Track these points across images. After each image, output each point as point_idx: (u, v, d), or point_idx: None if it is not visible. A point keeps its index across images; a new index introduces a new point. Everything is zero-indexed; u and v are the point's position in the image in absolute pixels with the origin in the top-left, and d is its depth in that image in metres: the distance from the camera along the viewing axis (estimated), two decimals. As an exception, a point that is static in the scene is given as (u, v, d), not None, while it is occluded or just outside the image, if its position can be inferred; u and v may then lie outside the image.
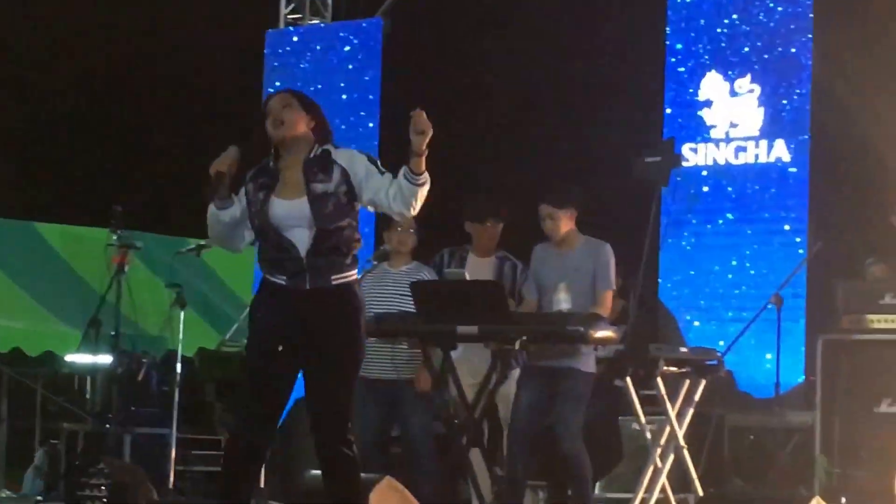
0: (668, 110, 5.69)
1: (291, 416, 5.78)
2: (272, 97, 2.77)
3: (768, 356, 4.82)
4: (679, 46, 5.71)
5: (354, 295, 2.66)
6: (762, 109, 5.41)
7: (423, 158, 2.53)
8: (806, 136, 5.28)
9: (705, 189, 5.64)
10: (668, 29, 5.70)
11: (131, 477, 4.57)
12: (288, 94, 2.76)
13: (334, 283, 2.60)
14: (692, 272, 5.57)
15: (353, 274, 2.68)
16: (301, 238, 2.59)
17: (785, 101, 5.37)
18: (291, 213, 2.60)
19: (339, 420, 2.61)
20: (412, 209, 2.60)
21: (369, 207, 2.72)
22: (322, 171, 2.62)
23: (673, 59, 5.71)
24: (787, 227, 5.34)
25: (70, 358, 5.97)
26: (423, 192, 2.57)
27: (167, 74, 9.48)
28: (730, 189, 5.58)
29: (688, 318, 5.46)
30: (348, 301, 2.64)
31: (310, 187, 2.59)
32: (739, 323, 4.96)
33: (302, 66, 7.12)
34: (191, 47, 8.91)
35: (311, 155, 2.64)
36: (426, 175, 2.55)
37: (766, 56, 5.44)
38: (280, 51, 7.26)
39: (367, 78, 6.82)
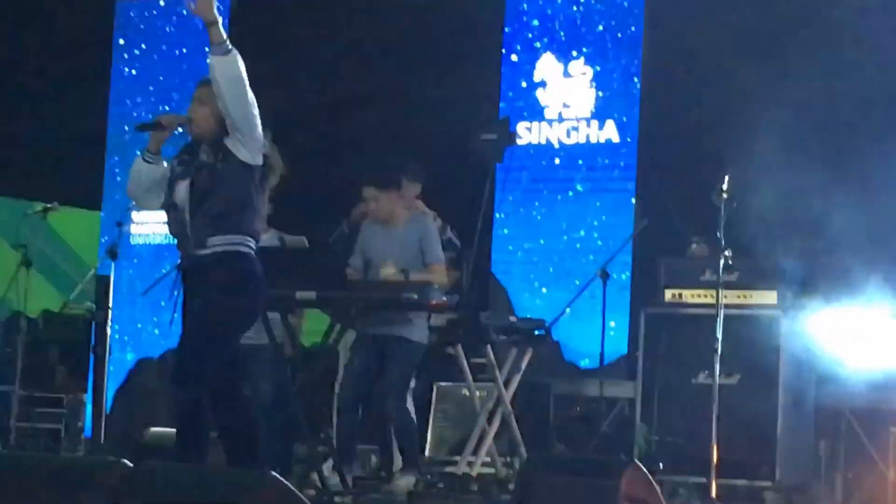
0: (511, 94, 5.93)
1: (132, 376, 5.96)
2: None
3: (596, 328, 5.12)
4: (513, 28, 5.97)
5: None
6: (594, 91, 5.73)
7: (218, 26, 2.74)
8: (636, 117, 5.63)
9: (557, 161, 5.91)
10: (505, 11, 5.94)
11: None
12: (201, 86, 2.96)
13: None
14: (542, 241, 5.83)
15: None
16: None
17: (616, 83, 5.70)
18: None
19: None
20: (239, 88, 2.75)
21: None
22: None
23: (509, 41, 5.96)
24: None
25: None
26: (234, 65, 2.73)
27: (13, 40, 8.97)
28: (580, 162, 5.87)
29: (536, 285, 5.72)
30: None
31: None
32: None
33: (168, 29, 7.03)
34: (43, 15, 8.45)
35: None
36: (227, 43, 2.73)
37: (599, 38, 5.75)
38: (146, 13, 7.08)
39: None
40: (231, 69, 2.72)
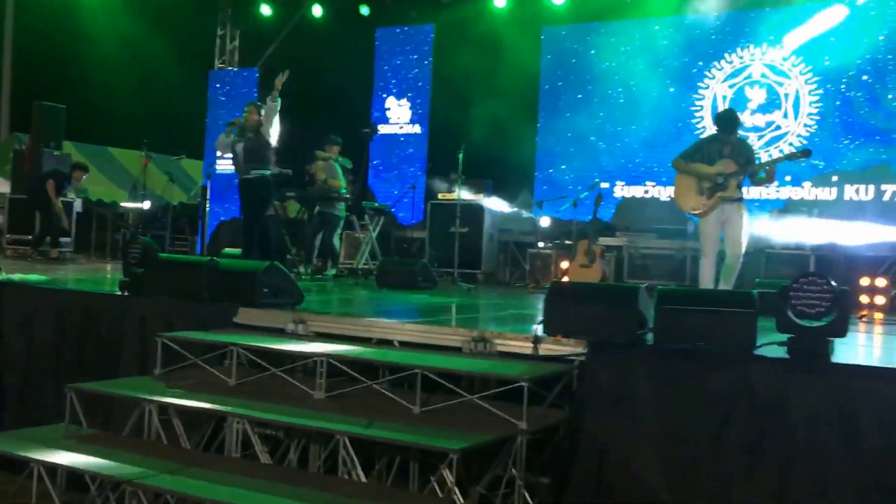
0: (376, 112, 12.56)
1: (217, 229, 12.59)
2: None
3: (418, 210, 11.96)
4: (379, 75, 12.71)
5: None
6: (410, 112, 12.32)
7: (278, 89, 8.68)
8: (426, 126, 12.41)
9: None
10: (374, 68, 12.46)
11: None
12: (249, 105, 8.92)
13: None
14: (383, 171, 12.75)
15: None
16: None
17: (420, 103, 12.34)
18: None
19: None
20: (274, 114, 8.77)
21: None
22: None
23: (378, 84, 12.80)
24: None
25: None
26: (277, 105, 8.66)
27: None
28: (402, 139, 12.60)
29: (388, 187, 12.52)
30: None
31: None
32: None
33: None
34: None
35: None
36: (277, 95, 8.67)
37: (415, 79, 12.35)
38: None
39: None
40: (275, 107, 8.64)
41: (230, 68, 15.21)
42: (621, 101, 12.15)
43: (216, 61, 15.26)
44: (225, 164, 12.85)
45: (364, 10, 13.38)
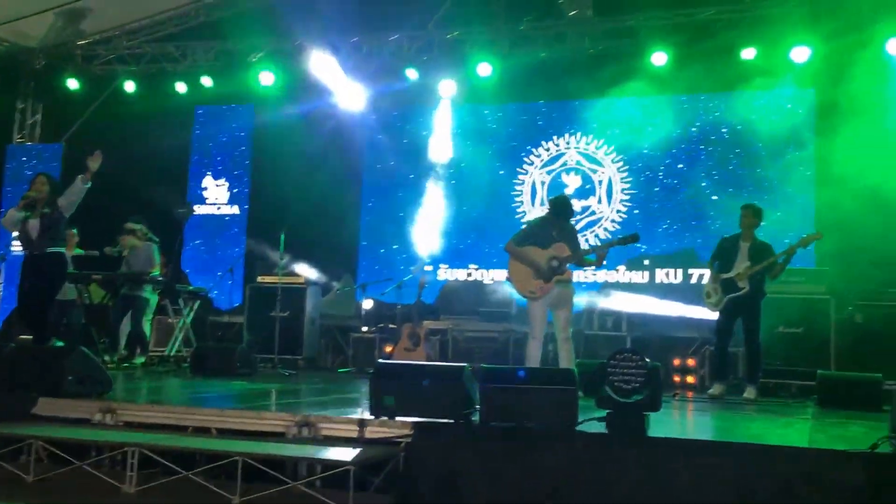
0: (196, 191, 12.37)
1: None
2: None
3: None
4: (196, 157, 12.72)
5: None
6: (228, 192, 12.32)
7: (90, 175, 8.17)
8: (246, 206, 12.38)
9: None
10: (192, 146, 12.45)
11: None
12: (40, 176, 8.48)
13: None
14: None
15: None
16: None
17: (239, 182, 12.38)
18: None
19: None
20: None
21: None
22: None
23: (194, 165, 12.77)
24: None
25: None
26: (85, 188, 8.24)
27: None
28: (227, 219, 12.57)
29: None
30: None
31: None
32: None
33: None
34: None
35: None
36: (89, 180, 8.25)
37: (234, 158, 12.38)
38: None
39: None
40: (84, 189, 8.28)
41: (30, 143, 14.54)
42: (453, 182, 12.59)
43: (14, 135, 14.57)
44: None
45: (181, 88, 13.20)
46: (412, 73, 12.18)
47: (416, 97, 12.60)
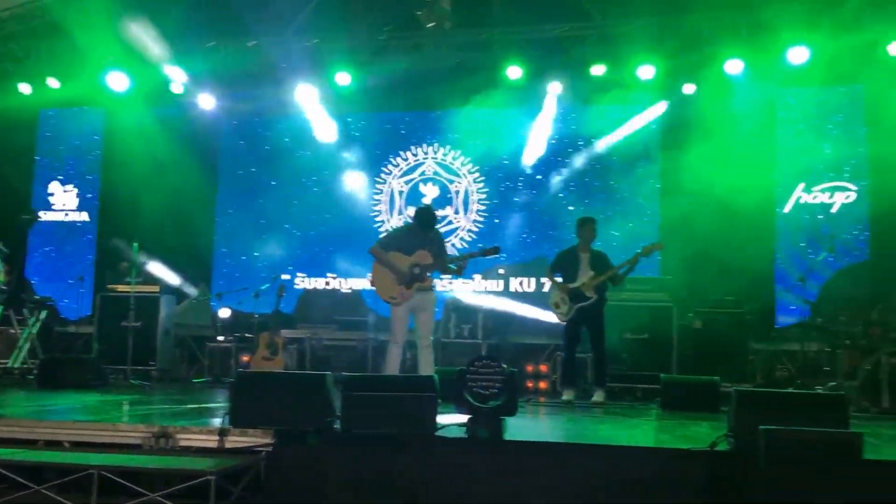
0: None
1: None
2: None
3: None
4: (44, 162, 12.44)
5: None
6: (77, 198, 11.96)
7: None
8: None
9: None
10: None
11: None
12: None
13: None
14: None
15: None
16: None
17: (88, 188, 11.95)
18: None
19: None
20: None
21: None
22: None
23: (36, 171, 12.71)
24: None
25: None
26: None
27: None
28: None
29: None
30: None
31: None
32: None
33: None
34: None
35: None
36: None
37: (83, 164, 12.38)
38: None
39: None
40: None
41: None
42: (315, 189, 12.51)
43: None
44: None
45: (25, 89, 12.45)
46: (272, 80, 12.01)
47: (276, 104, 12.46)
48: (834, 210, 10.92)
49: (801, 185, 11.06)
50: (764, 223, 10.90)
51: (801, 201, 11.07)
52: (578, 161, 11.91)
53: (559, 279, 8.81)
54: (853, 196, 10.85)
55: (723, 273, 10.25)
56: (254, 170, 12.82)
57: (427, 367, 7.72)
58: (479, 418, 5.23)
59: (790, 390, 5.87)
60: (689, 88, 11.00)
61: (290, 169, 12.58)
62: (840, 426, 4.69)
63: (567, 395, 8.72)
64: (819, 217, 10.92)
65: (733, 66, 10.49)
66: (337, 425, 5.23)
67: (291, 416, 5.11)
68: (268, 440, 5.04)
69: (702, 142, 10.21)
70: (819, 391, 6.72)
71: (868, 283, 10.39)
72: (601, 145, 11.72)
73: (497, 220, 12.19)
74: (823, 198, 10.97)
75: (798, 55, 10.13)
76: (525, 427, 6.01)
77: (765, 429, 4.49)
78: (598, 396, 8.62)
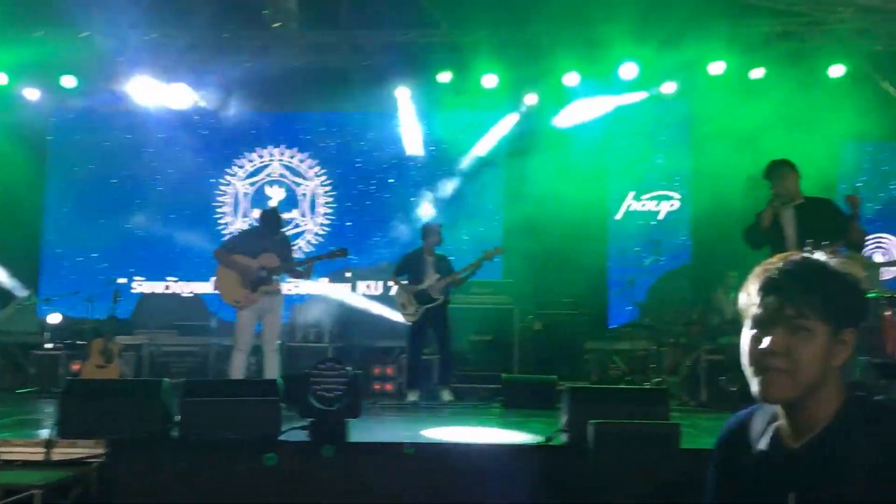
0: None
1: None
2: None
3: None
4: None
5: None
6: None
7: None
8: None
9: None
10: None
11: None
12: None
13: None
14: None
15: None
16: None
17: None
18: None
19: None
20: None
21: None
22: None
23: None
24: None
25: None
26: None
27: None
28: None
29: None
30: None
31: None
32: None
33: None
34: None
35: None
36: None
37: None
38: None
39: None
40: None
41: None
42: (159, 189, 12.05)
43: None
44: None
45: None
46: (109, 74, 11.47)
47: (113, 99, 11.93)
48: (660, 217, 11.58)
49: (632, 194, 11.67)
50: (598, 229, 11.43)
51: (632, 209, 11.67)
52: (431, 166, 12.04)
53: (404, 281, 8.92)
54: (677, 204, 11.54)
55: (561, 276, 10.66)
56: (92, 167, 12.23)
57: (272, 372, 7.63)
58: (323, 421, 5.22)
59: (618, 386, 6.20)
60: (531, 99, 11.34)
61: (131, 167, 12.11)
62: (662, 418, 4.97)
63: (412, 397, 8.82)
64: (651, 223, 11.53)
65: (571, 79, 10.89)
66: (175, 432, 5.09)
67: (126, 425, 4.93)
68: (100, 450, 4.84)
69: (543, 150, 10.57)
70: (645, 386, 7.10)
71: (690, 285, 11.07)
72: (452, 151, 11.88)
73: (347, 223, 12.15)
74: (651, 205, 11.60)
75: (628, 70, 10.65)
76: (369, 429, 6.02)
77: (594, 422, 4.71)
78: (445, 396, 8.77)
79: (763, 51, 10.48)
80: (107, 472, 4.76)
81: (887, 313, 7.52)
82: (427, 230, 9.13)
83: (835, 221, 6.19)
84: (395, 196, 12.07)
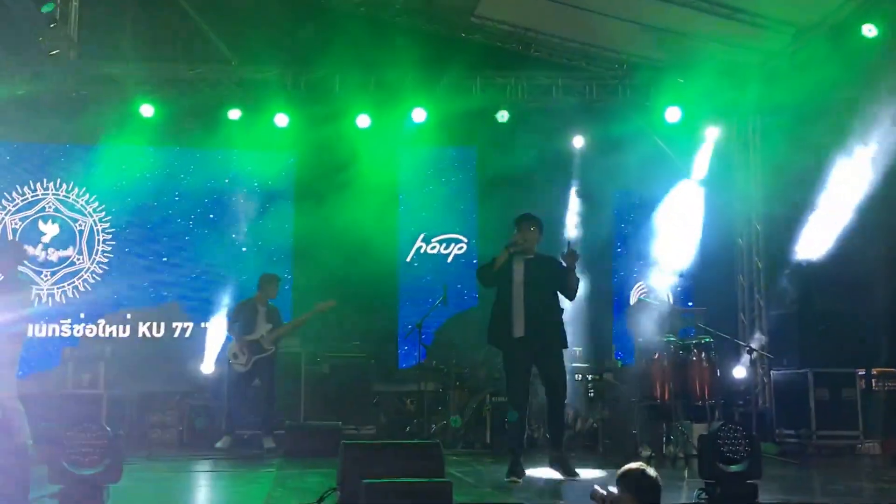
0: None
1: None
2: None
3: None
4: None
5: None
6: None
7: None
8: None
9: None
10: None
11: None
12: None
13: None
14: None
15: None
16: None
17: None
18: None
19: None
20: None
21: None
22: None
23: None
24: None
25: None
26: None
27: None
28: None
29: None
30: None
31: None
32: None
33: None
34: None
35: None
36: None
37: None
38: None
39: None
40: None
41: None
42: None
43: None
44: None
45: None
46: None
47: None
48: (449, 260, 11.72)
49: (422, 236, 11.74)
50: (389, 271, 11.42)
51: (422, 251, 11.74)
52: (214, 204, 11.58)
53: (237, 330, 9.02)
54: (465, 247, 11.72)
55: (351, 319, 10.57)
56: None
57: None
58: (76, 488, 4.78)
59: (390, 441, 6.17)
60: (321, 138, 11.18)
61: None
62: (436, 473, 4.92)
63: (222, 444, 8.81)
64: (440, 266, 11.64)
65: (363, 121, 10.87)
66: None
67: None
68: None
69: (335, 191, 10.46)
70: (415, 441, 7.10)
71: (476, 327, 11.23)
72: (238, 187, 11.53)
73: (127, 262, 11.43)
74: (441, 248, 11.73)
75: (418, 115, 10.76)
76: (133, 494, 5.59)
77: (366, 482, 4.59)
78: (223, 442, 8.81)
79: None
80: None
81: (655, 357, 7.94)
82: (265, 280, 9.25)
83: (556, 275, 6.76)
84: (178, 234, 11.51)
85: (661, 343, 7.92)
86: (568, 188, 11.44)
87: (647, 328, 8.29)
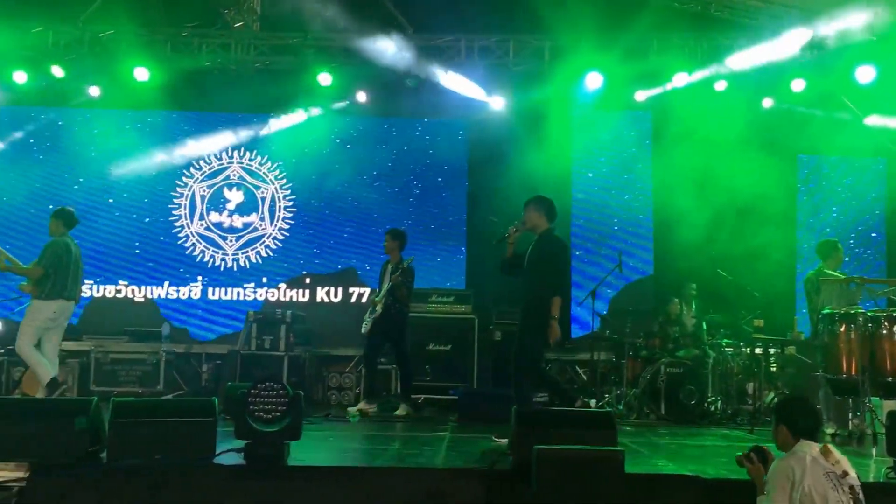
0: None
1: None
2: None
3: None
4: None
5: None
6: None
7: None
8: None
9: None
10: None
11: None
12: None
13: None
14: None
15: None
16: None
17: None
18: None
19: None
20: None
21: None
22: None
23: None
24: None
25: None
26: None
27: None
28: None
29: None
30: None
31: None
32: None
33: None
34: None
35: None
36: None
37: None
38: None
39: None
40: None
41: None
42: (110, 193, 11.75)
43: None
44: None
45: None
46: (58, 71, 11.18)
47: (63, 97, 11.67)
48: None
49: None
50: (563, 234, 11.25)
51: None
52: (395, 173, 11.85)
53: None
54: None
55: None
56: (41, 157, 11.89)
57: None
58: (260, 443, 5.04)
59: (565, 408, 6.11)
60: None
61: (82, 167, 11.82)
62: (608, 441, 4.85)
63: (367, 407, 8.68)
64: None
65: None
66: (104, 454, 4.89)
67: (48, 448, 4.71)
68: (21, 474, 4.63)
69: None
70: (591, 409, 7.01)
71: (651, 296, 10.97)
72: (420, 159, 11.73)
73: (305, 229, 11.91)
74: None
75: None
76: (311, 449, 5.84)
77: (538, 448, 4.57)
78: (400, 410, 8.66)
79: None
80: (27, 498, 4.55)
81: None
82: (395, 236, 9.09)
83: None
84: (354, 202, 11.85)
85: (847, 315, 7.42)
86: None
87: (829, 300, 7.84)
